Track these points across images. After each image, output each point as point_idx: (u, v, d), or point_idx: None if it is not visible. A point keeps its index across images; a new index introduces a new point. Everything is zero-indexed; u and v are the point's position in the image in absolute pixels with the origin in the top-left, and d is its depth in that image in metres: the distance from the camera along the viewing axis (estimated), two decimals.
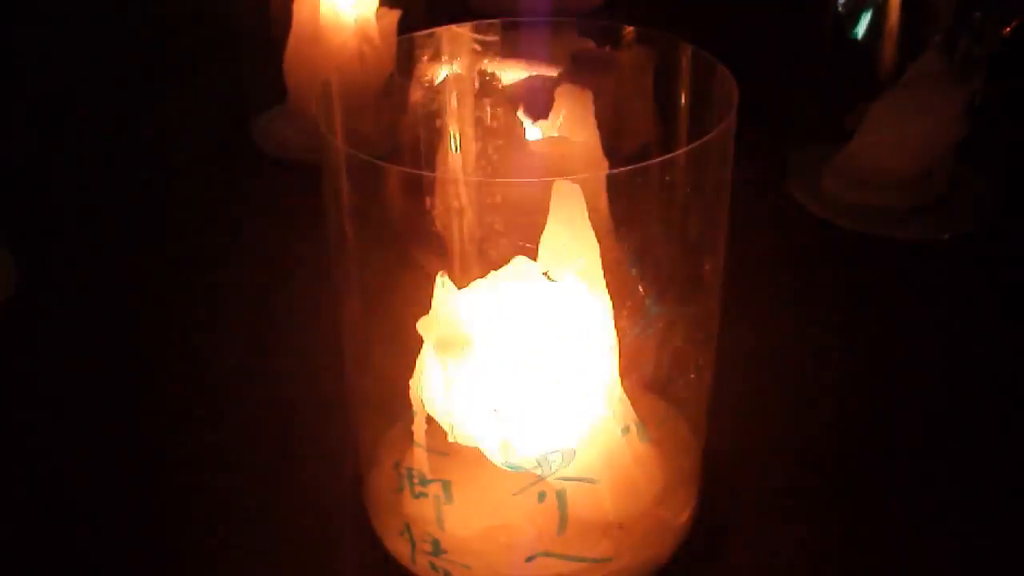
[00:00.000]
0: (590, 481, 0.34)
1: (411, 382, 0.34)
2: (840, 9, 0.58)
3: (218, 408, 0.46)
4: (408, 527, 0.36)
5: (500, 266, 0.33)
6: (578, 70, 0.41)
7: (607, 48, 0.40)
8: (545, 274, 0.33)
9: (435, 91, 0.40)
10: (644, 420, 0.36)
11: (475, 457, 0.34)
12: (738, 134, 0.34)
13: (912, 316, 0.51)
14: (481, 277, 0.33)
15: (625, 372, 0.35)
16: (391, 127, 0.40)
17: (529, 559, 0.35)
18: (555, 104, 0.42)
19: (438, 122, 0.40)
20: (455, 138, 0.40)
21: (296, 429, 0.44)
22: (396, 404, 0.37)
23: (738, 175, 0.35)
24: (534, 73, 0.42)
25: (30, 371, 0.49)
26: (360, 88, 0.61)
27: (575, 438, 0.34)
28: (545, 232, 0.33)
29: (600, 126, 0.41)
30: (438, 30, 0.39)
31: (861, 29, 0.57)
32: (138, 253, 0.58)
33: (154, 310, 0.53)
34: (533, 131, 0.43)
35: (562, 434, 0.34)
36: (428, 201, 0.34)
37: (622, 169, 0.32)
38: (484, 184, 0.37)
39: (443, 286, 0.33)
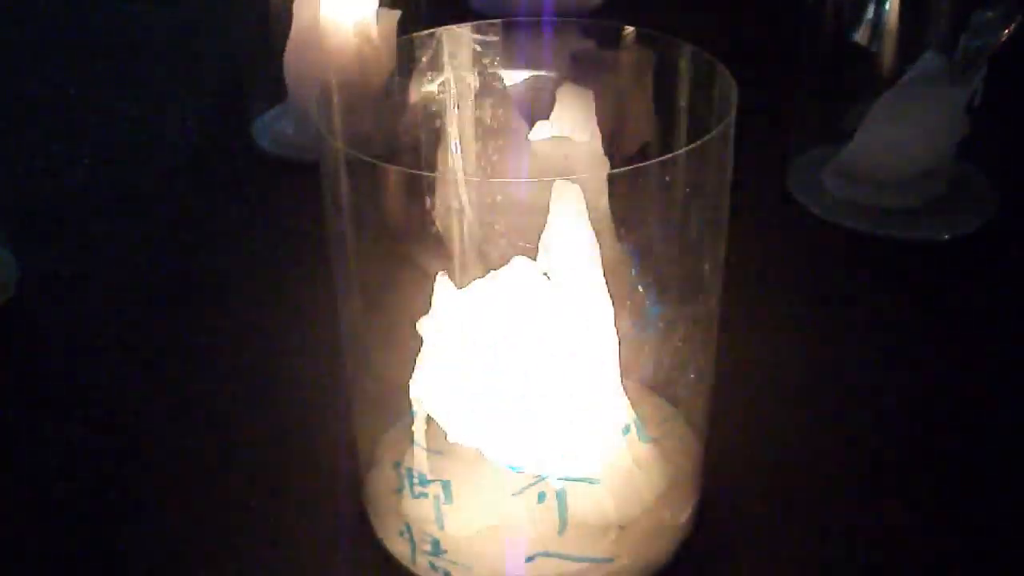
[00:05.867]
0: (590, 481, 0.34)
1: (411, 382, 0.34)
2: (840, 9, 0.58)
3: (218, 408, 0.46)
4: (408, 527, 0.36)
5: (500, 266, 0.33)
6: (578, 70, 0.41)
7: (607, 48, 0.40)
8: (545, 274, 0.33)
9: (435, 91, 0.40)
10: (644, 420, 0.36)
11: (475, 457, 0.34)
12: (738, 134, 0.34)
13: (912, 316, 0.51)
14: (481, 277, 0.33)
15: (625, 372, 0.35)
16: (391, 127, 0.40)
17: (529, 559, 0.35)
18: (556, 104, 0.42)
19: (438, 122, 0.40)
20: (455, 138, 0.40)
21: (296, 429, 0.44)
22: (396, 404, 0.37)
23: (738, 175, 0.35)
24: (535, 73, 0.42)
25: (30, 371, 0.49)
26: (360, 88, 0.61)
27: (575, 438, 0.34)
28: (545, 232, 0.33)
29: (600, 126, 0.41)
30: (438, 30, 0.39)
31: (861, 29, 0.57)
32: (138, 253, 0.58)
33: (154, 310, 0.53)
34: (534, 131, 0.43)
35: (562, 434, 0.34)
36: (428, 201, 0.34)
37: (622, 169, 0.32)
38: (484, 184, 0.37)
39: (443, 286, 0.33)
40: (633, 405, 0.35)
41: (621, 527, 0.35)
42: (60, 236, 0.59)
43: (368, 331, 0.38)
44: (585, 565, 0.35)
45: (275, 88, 0.66)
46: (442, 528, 0.35)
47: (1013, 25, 0.53)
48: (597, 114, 0.40)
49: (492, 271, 0.33)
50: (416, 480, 0.36)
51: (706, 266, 0.36)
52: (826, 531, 0.39)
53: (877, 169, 0.57)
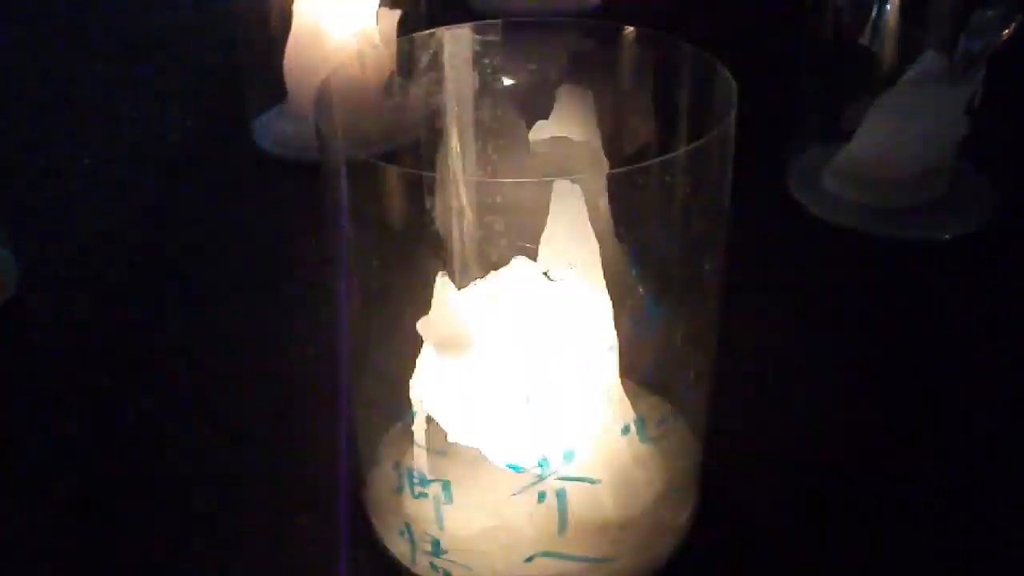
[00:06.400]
0: (590, 481, 0.34)
1: (411, 382, 0.34)
2: (840, 9, 0.58)
3: (218, 407, 0.46)
4: (408, 527, 0.36)
5: (500, 266, 0.33)
6: (578, 70, 0.41)
7: (607, 48, 0.40)
8: (545, 274, 0.33)
9: (435, 91, 0.40)
10: (644, 420, 0.36)
11: (475, 457, 0.34)
12: (738, 134, 0.34)
13: (912, 316, 0.51)
14: (481, 277, 0.33)
15: (625, 372, 0.35)
16: (391, 127, 0.40)
17: (529, 559, 0.35)
18: (556, 104, 0.42)
19: (438, 122, 0.40)
20: (455, 138, 0.40)
21: (296, 429, 0.44)
22: (396, 404, 0.37)
23: (738, 175, 0.35)
24: (534, 73, 0.42)
25: (30, 371, 0.49)
26: (360, 88, 0.61)
27: (575, 438, 0.34)
28: (545, 232, 0.33)
29: (600, 126, 0.41)
30: (438, 30, 0.39)
31: (861, 29, 0.57)
32: (138, 253, 0.58)
33: (154, 310, 0.53)
34: (534, 131, 0.43)
35: (562, 434, 0.34)
36: (428, 201, 0.34)
37: (622, 169, 0.32)
38: (484, 184, 0.37)
39: (443, 286, 0.33)
40: (633, 405, 0.35)
41: (621, 527, 0.35)
42: (60, 236, 0.59)
43: (368, 331, 0.38)
44: (585, 565, 0.35)
45: (275, 88, 0.66)
46: (442, 528, 0.35)
47: (1013, 25, 0.53)
48: (597, 114, 0.40)
49: (492, 271, 0.33)
50: (416, 480, 0.36)
51: (706, 266, 0.36)
52: (826, 530, 0.39)
53: (877, 169, 0.57)
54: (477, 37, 0.40)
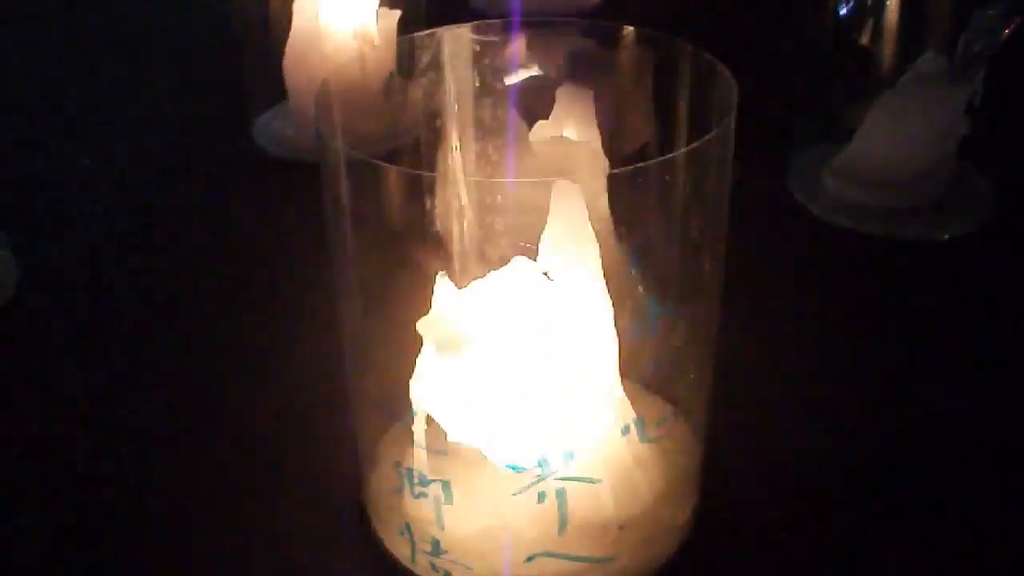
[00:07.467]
0: (590, 481, 0.34)
1: (411, 382, 0.34)
2: (840, 9, 0.58)
3: (218, 407, 0.46)
4: (408, 527, 0.36)
5: (500, 266, 0.33)
6: (578, 70, 0.41)
7: (607, 48, 0.40)
8: (545, 274, 0.33)
9: (435, 91, 0.40)
10: (644, 420, 0.36)
11: (475, 457, 0.34)
12: (738, 134, 0.34)
13: (912, 316, 0.51)
14: (481, 277, 0.33)
15: (625, 372, 0.35)
16: (391, 127, 0.40)
17: (529, 559, 0.35)
18: (555, 104, 0.42)
19: (438, 122, 0.40)
20: (455, 138, 0.40)
21: (296, 429, 0.44)
22: (396, 404, 0.37)
23: (738, 175, 0.35)
24: (534, 73, 0.42)
25: (30, 371, 0.49)
26: (360, 88, 0.61)
27: (575, 438, 0.34)
28: (545, 232, 0.33)
29: (600, 126, 0.41)
30: (438, 30, 0.39)
31: (861, 29, 0.57)
32: (138, 253, 0.58)
33: (154, 310, 0.53)
34: (534, 131, 0.43)
35: (562, 434, 0.34)
36: (428, 201, 0.34)
37: (622, 169, 0.32)
38: (484, 184, 0.37)
39: (443, 286, 0.33)
40: (633, 405, 0.35)
41: (621, 527, 0.35)
42: (60, 236, 0.59)
43: (368, 331, 0.38)
44: (585, 565, 0.35)
45: (275, 88, 0.66)
46: (442, 528, 0.35)
47: (1013, 25, 0.53)
48: (597, 114, 0.40)
49: (492, 271, 0.33)
50: (416, 480, 0.36)
51: (706, 266, 0.36)
52: (826, 531, 0.39)
53: (877, 169, 0.57)
54: (477, 37, 0.40)
